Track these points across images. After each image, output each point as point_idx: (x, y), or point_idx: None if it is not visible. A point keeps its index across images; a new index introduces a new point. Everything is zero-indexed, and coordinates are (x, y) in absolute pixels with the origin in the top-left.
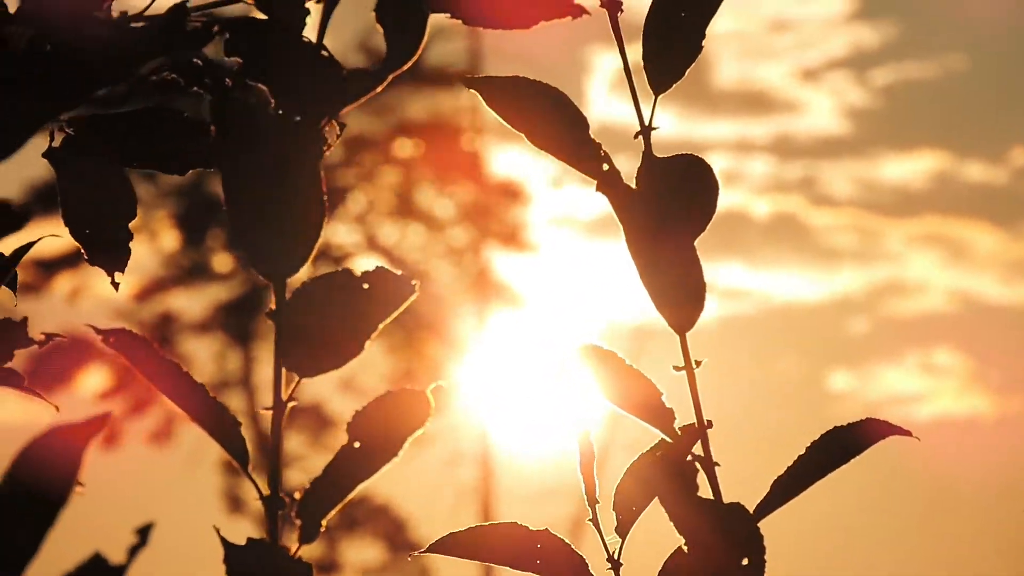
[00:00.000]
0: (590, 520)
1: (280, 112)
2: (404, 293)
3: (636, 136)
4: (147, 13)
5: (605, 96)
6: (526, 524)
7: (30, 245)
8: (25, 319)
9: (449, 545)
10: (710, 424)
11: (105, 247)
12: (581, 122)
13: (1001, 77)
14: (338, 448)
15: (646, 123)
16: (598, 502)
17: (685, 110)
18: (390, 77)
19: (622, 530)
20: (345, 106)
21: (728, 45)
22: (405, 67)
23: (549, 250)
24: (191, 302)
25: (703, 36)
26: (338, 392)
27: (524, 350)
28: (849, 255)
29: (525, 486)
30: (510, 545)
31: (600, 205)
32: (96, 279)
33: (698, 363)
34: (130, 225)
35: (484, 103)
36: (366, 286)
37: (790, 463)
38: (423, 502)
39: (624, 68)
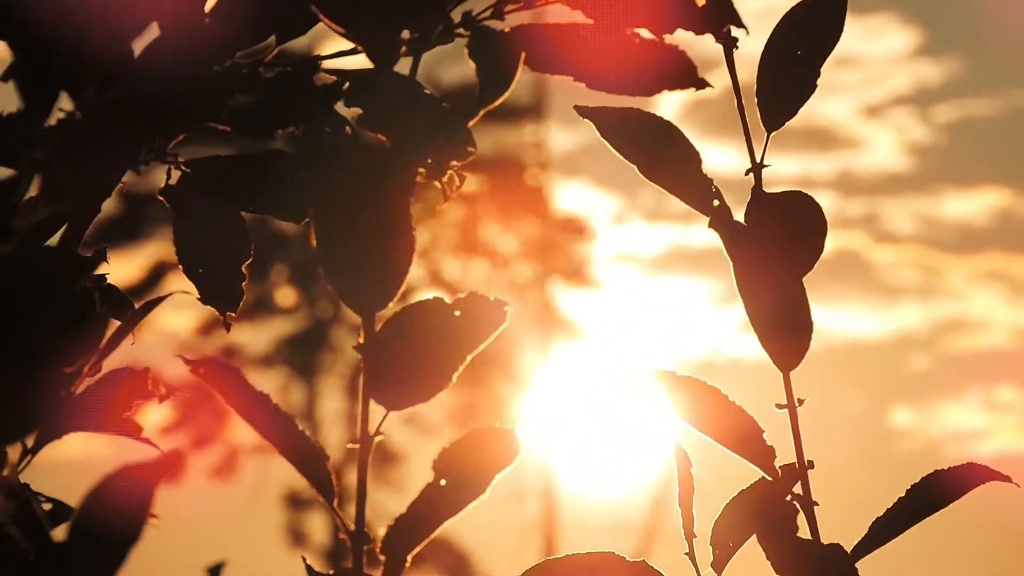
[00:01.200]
0: (686, 554)
1: (389, 154)
2: (497, 319)
3: (747, 173)
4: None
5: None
6: (623, 555)
7: (159, 300)
8: (147, 369)
9: (545, 572)
10: (811, 464)
11: (218, 287)
12: (694, 157)
13: None
14: (423, 486)
15: (757, 160)
16: (695, 536)
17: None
18: (481, 113)
19: (718, 566)
20: (457, 152)
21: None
22: (497, 103)
23: (612, 286)
24: (255, 336)
25: (818, 74)
26: (400, 426)
27: (588, 385)
28: (911, 292)
29: (588, 522)
30: (606, 575)
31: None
32: (160, 311)
33: (800, 401)
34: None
35: (598, 133)
36: (458, 313)
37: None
38: (486, 536)
39: (737, 104)
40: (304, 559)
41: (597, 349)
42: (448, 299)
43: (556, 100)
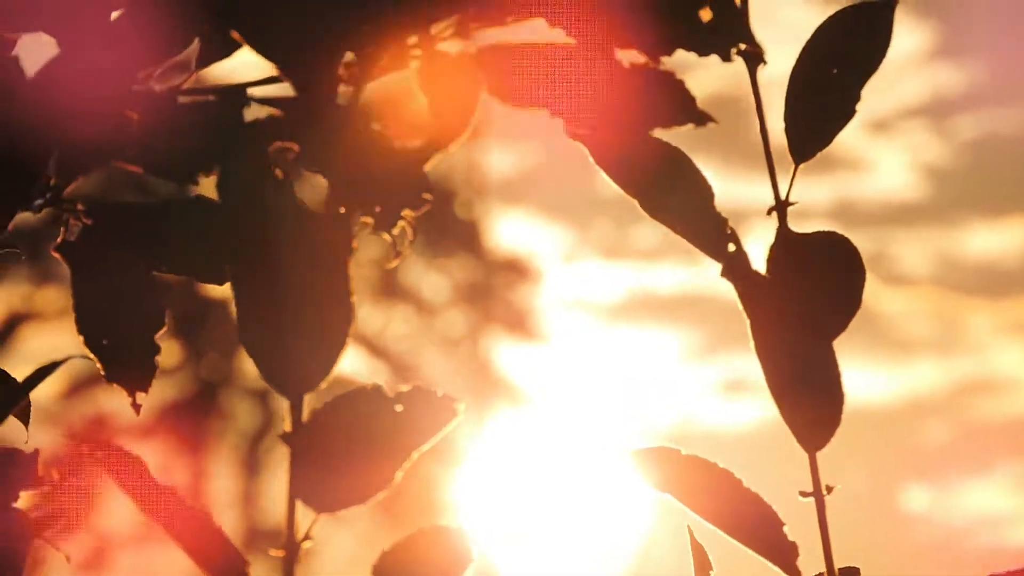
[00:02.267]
0: None
1: (332, 206)
2: (444, 417)
3: (770, 212)
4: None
5: None
6: None
7: (48, 371)
8: (36, 452)
9: None
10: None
11: (127, 363)
12: (706, 191)
13: None
14: None
15: (782, 197)
16: None
17: (727, 167)
18: (436, 158)
19: None
20: (412, 202)
21: (780, 90)
22: (452, 147)
23: (561, 339)
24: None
25: (858, 98)
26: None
27: (534, 461)
28: (927, 346)
29: None
30: None
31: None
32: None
33: (829, 489)
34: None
35: (591, 159)
36: (399, 408)
37: None
38: None
39: (761, 132)
40: None
41: (545, 415)
42: (365, 361)
43: (495, 114)
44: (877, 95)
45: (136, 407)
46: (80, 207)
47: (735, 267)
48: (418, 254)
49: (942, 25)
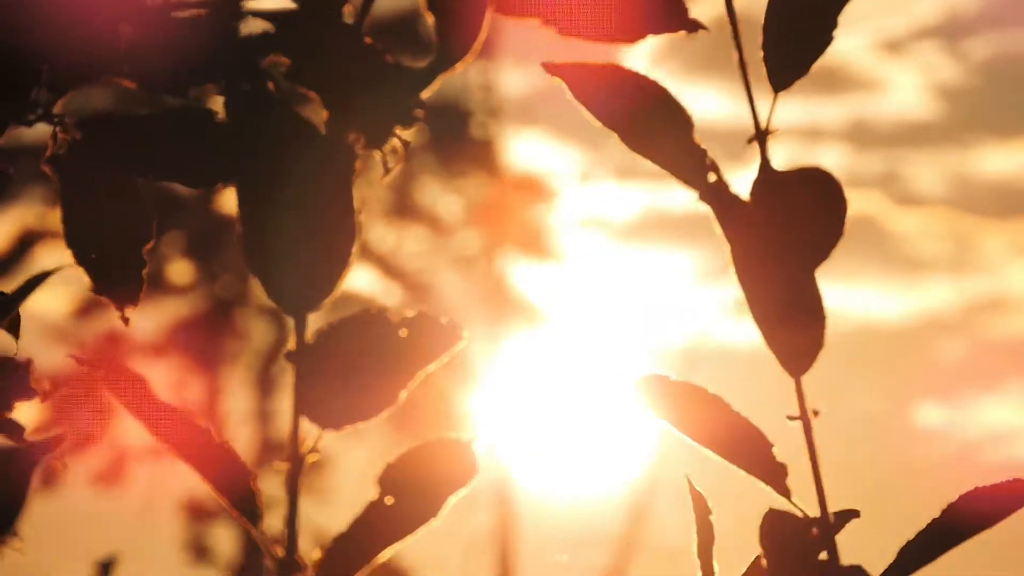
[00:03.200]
0: None
1: (331, 124)
2: (448, 343)
3: (750, 141)
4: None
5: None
6: None
7: (37, 281)
8: (29, 362)
9: None
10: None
11: (115, 277)
12: (686, 123)
13: None
14: (367, 503)
15: (763, 127)
16: None
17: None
18: (439, 80)
19: None
20: (402, 118)
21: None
22: (459, 67)
23: (576, 258)
24: (143, 319)
25: (835, 24)
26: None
27: (549, 378)
28: (940, 265)
29: (551, 532)
30: None
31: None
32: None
33: (816, 413)
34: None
35: (570, 94)
36: (403, 333)
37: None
38: (433, 546)
39: (739, 61)
40: None
41: (559, 334)
42: (378, 279)
43: (509, 35)
44: (891, 16)
45: (125, 320)
46: (69, 121)
47: (715, 195)
48: (433, 174)
49: None
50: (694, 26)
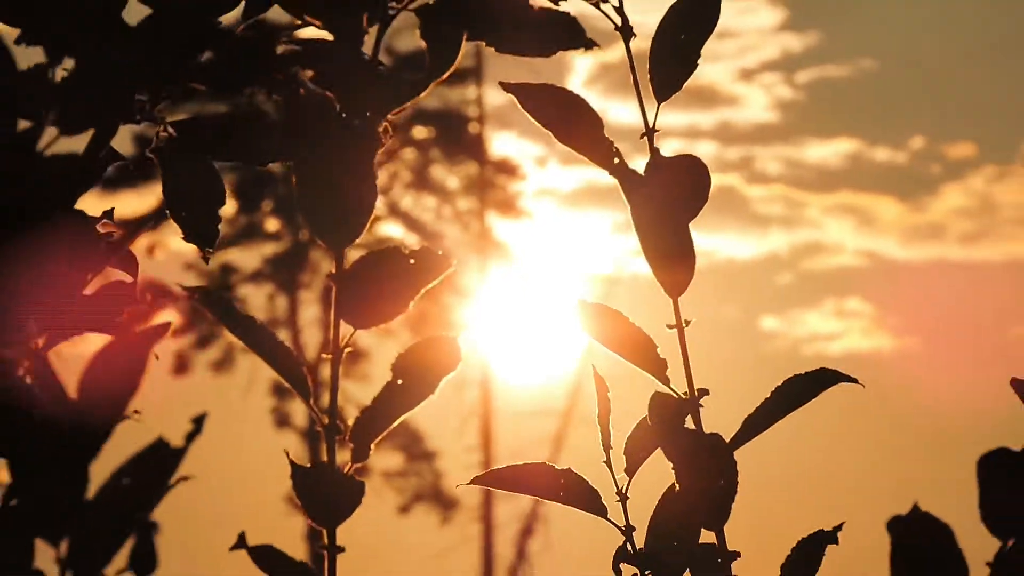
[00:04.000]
0: (605, 462)
1: (344, 115)
2: (443, 267)
3: (642, 136)
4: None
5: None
6: (552, 463)
7: (141, 227)
8: (134, 283)
9: (490, 479)
10: (706, 391)
11: (198, 228)
12: (597, 123)
13: (905, 76)
14: (383, 384)
15: (650, 125)
16: (612, 448)
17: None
18: (432, 85)
19: (630, 470)
20: (397, 109)
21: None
22: (444, 77)
23: (537, 216)
24: (247, 257)
25: (699, 55)
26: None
27: (518, 296)
28: (778, 221)
29: (517, 406)
30: (540, 480)
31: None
32: (169, 237)
33: (688, 322)
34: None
35: (519, 105)
36: (412, 261)
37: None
38: (434, 418)
39: (633, 81)
40: (287, 452)
41: (526, 267)
42: (403, 231)
43: (492, 63)
44: (745, 54)
45: (206, 258)
46: (167, 120)
47: (620, 173)
48: (441, 160)
49: (789, 5)
50: (590, 44)
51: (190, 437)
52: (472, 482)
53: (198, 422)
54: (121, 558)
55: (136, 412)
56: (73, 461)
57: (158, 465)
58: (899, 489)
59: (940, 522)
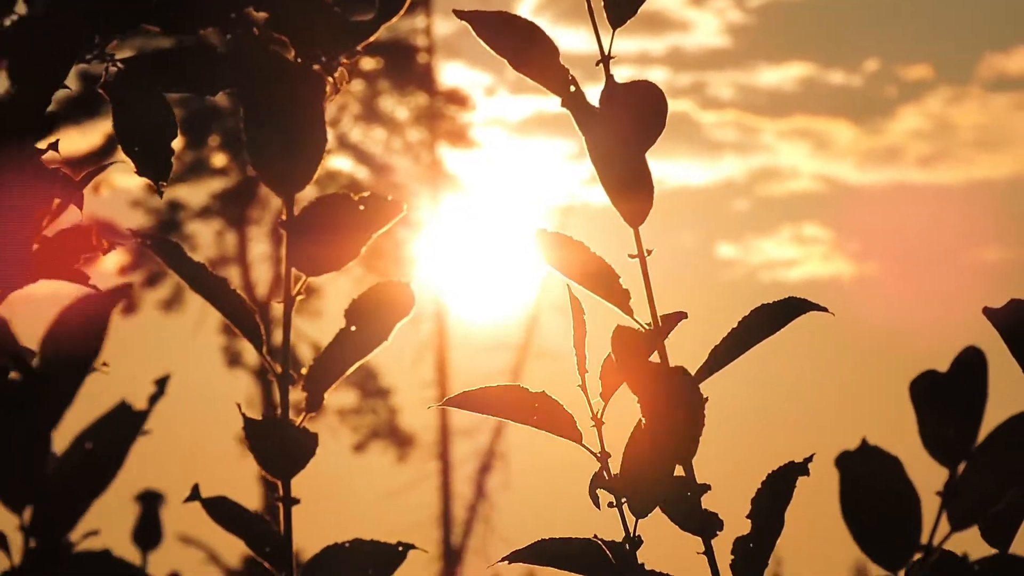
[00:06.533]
0: (579, 386)
1: (297, 58)
2: (394, 212)
3: (597, 64)
4: None
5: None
6: (525, 386)
7: (99, 170)
8: (91, 227)
9: (462, 401)
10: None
11: (151, 162)
12: (553, 51)
13: None
14: (335, 324)
15: (606, 52)
16: (587, 371)
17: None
18: (384, 26)
19: (605, 395)
20: (349, 51)
21: None
22: (395, 19)
23: (487, 147)
24: (195, 193)
25: None
26: None
27: (470, 228)
28: (732, 147)
29: (472, 341)
30: (512, 403)
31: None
32: (115, 174)
33: (649, 252)
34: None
35: (473, 32)
36: (362, 208)
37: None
38: (389, 354)
39: (588, 7)
40: (238, 405)
41: (478, 199)
42: (352, 164)
43: None
44: None
45: (159, 192)
46: (115, 56)
47: (574, 103)
48: (390, 91)
49: None
50: None
51: (153, 399)
52: (442, 404)
53: (160, 384)
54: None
55: (104, 364)
56: (35, 427)
57: (121, 429)
58: (862, 417)
59: (889, 455)
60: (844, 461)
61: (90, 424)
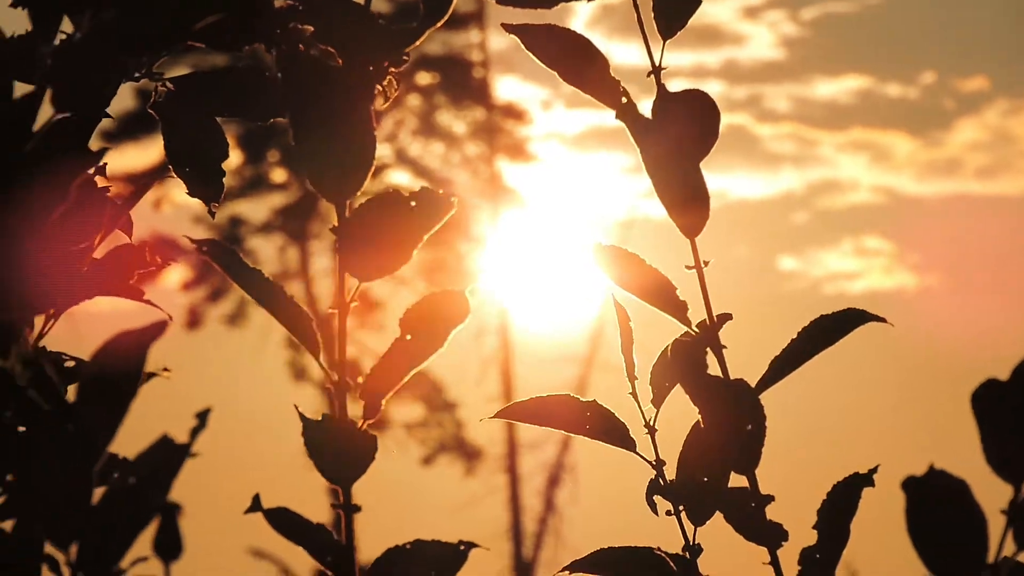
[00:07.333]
0: (631, 393)
1: (343, 67)
2: (445, 208)
3: (649, 75)
4: None
5: (583, 31)
6: (577, 396)
7: (149, 185)
8: (144, 244)
9: (514, 412)
10: (728, 316)
11: (202, 182)
12: (604, 63)
13: (913, 11)
14: (392, 340)
15: (656, 64)
16: (636, 378)
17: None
18: (427, 32)
19: (657, 401)
20: (396, 58)
21: None
22: (439, 23)
23: (545, 160)
24: (256, 208)
25: None
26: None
27: (531, 242)
28: (790, 160)
29: (537, 354)
30: (563, 413)
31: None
32: (176, 190)
33: (706, 263)
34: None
35: (522, 45)
36: (413, 204)
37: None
38: (454, 368)
39: (637, 19)
40: (296, 407)
41: (537, 212)
42: (410, 179)
43: (494, 6)
44: None
45: (212, 213)
46: (166, 76)
47: (627, 114)
48: (447, 106)
49: None
50: None
51: (194, 432)
52: (496, 416)
53: (202, 417)
54: (144, 543)
55: (166, 370)
56: (78, 465)
57: (164, 463)
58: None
59: (956, 479)
60: (911, 486)
61: (134, 458)
